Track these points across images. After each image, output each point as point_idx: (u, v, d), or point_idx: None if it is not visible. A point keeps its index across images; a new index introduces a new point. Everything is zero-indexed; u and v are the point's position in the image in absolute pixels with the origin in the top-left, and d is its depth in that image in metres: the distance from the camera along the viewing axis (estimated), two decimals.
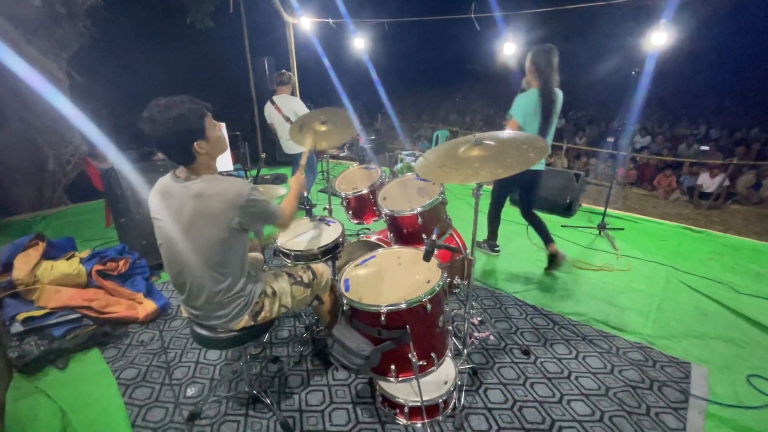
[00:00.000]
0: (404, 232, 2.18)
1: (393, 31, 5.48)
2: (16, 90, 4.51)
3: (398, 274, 1.82)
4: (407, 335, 1.59)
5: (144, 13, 6.89)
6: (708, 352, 2.27)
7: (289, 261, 2.20)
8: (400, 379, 1.68)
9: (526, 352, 2.27)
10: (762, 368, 2.14)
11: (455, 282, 2.25)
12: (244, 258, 1.61)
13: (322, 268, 1.98)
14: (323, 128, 2.59)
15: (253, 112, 7.07)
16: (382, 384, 1.86)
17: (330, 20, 5.59)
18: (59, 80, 5.02)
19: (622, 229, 3.89)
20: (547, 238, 3.09)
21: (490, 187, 3.32)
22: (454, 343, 2.16)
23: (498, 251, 3.44)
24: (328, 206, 2.83)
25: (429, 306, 1.60)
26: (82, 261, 2.74)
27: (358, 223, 2.61)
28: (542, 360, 2.22)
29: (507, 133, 1.86)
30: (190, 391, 2.08)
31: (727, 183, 6.96)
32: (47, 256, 2.71)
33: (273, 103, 4.11)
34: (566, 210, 4.29)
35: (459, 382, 1.94)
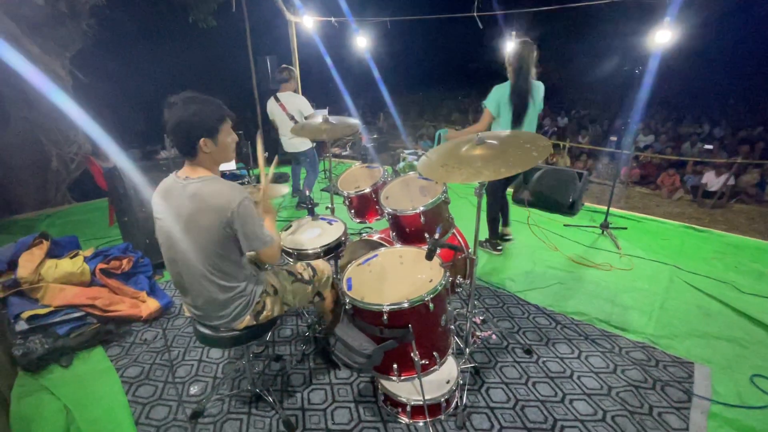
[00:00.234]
0: (406, 231, 2.18)
1: (395, 29, 5.47)
2: (20, 89, 4.52)
3: (400, 273, 1.82)
4: (409, 334, 1.59)
5: (147, 12, 6.92)
6: (711, 352, 2.26)
7: (291, 260, 2.20)
8: (402, 378, 1.69)
9: (529, 352, 2.27)
10: (765, 368, 2.14)
11: (457, 281, 2.24)
12: (243, 258, 1.61)
13: (323, 265, 1.98)
14: (325, 126, 2.60)
15: (256, 111, 7.07)
16: (385, 383, 1.86)
17: (332, 19, 5.59)
18: (62, 79, 5.03)
19: (625, 228, 3.88)
20: (506, 222, 3.54)
21: None
22: (457, 342, 2.15)
23: (501, 250, 3.44)
24: (330, 205, 2.84)
25: (431, 305, 1.60)
26: (86, 259, 2.75)
27: (360, 222, 2.61)
28: (544, 359, 2.22)
29: (509, 132, 1.86)
30: (193, 390, 2.09)
31: (732, 182, 6.91)
32: (51, 254, 2.73)
33: (278, 100, 4.10)
34: (569, 209, 4.27)
35: (461, 381, 1.94)
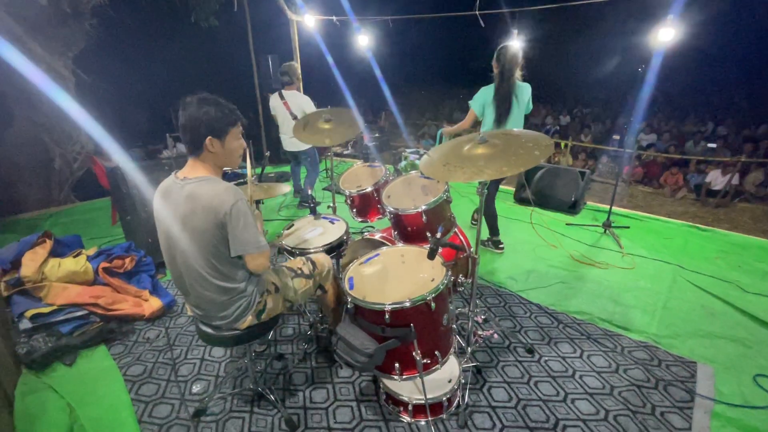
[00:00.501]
0: (408, 231, 2.18)
1: (397, 28, 5.46)
2: (23, 89, 4.54)
3: (402, 272, 1.82)
4: (411, 333, 1.59)
5: (149, 11, 6.92)
6: (714, 352, 2.26)
7: (292, 258, 2.20)
8: (404, 377, 1.69)
9: (531, 351, 2.27)
10: None
11: (459, 280, 2.25)
12: (241, 259, 1.59)
13: (322, 258, 1.98)
14: (327, 126, 2.60)
15: (257, 110, 7.08)
16: (386, 382, 1.86)
17: (334, 18, 5.58)
18: (65, 79, 5.05)
19: (628, 227, 3.86)
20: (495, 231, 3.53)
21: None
22: (458, 341, 2.15)
23: (502, 248, 3.44)
24: (332, 204, 2.84)
25: (433, 304, 1.60)
26: (89, 258, 2.77)
27: (362, 221, 2.62)
28: (546, 359, 2.21)
29: (511, 131, 1.85)
30: (196, 388, 2.10)
31: (736, 181, 6.87)
32: (54, 253, 2.74)
33: (282, 97, 4.10)
34: (571, 208, 4.26)
35: (463, 381, 1.94)
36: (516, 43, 3.03)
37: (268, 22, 6.54)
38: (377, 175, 2.62)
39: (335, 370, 2.17)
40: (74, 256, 2.75)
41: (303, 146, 4.23)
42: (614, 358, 2.21)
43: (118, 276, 2.77)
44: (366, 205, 2.57)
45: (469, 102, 3.12)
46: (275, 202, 4.82)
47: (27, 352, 2.19)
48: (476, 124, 3.17)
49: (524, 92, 3.00)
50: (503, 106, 2.96)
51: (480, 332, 2.36)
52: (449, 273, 1.70)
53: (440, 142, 3.31)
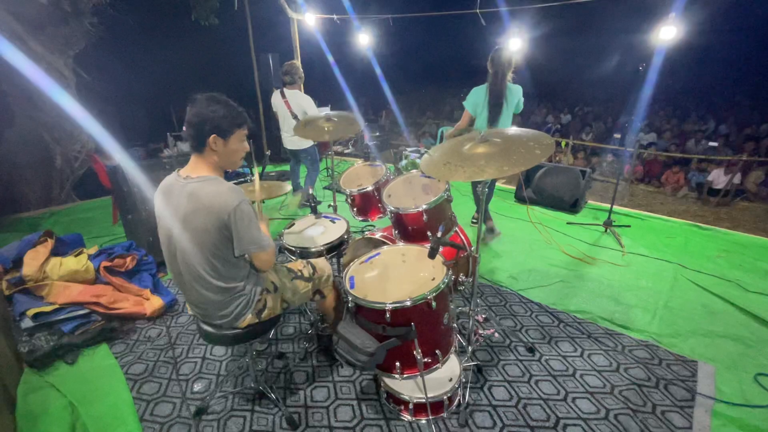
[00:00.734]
0: (409, 230, 2.18)
1: (397, 26, 5.45)
2: (24, 88, 4.54)
3: (403, 271, 1.82)
4: (412, 332, 1.59)
5: (149, 10, 6.92)
6: (715, 351, 2.25)
7: (294, 258, 2.21)
8: (404, 376, 1.69)
9: (531, 350, 2.27)
10: None
11: (460, 279, 2.25)
12: (241, 259, 1.59)
13: (322, 263, 1.98)
14: (328, 126, 2.60)
15: (258, 109, 7.07)
16: (387, 380, 1.87)
17: (334, 16, 5.57)
18: (66, 78, 5.05)
19: (629, 226, 3.86)
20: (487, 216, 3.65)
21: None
22: (459, 340, 2.16)
23: (499, 232, 3.60)
24: (332, 203, 2.84)
25: (434, 303, 1.60)
26: (90, 257, 2.77)
27: (362, 220, 2.62)
28: (547, 357, 2.22)
29: (513, 129, 1.85)
30: (197, 387, 2.10)
31: (737, 180, 6.86)
32: (56, 252, 2.75)
33: (283, 95, 4.09)
34: (572, 207, 4.26)
35: (463, 379, 1.94)
36: (510, 46, 3.15)
37: (269, 20, 6.53)
38: (378, 174, 2.62)
39: (336, 368, 2.17)
40: (75, 255, 2.75)
41: (303, 144, 4.23)
42: (615, 357, 2.21)
43: (120, 275, 2.78)
44: (367, 204, 2.58)
45: (463, 103, 3.26)
46: (276, 201, 4.82)
47: (29, 350, 2.20)
48: (473, 122, 3.28)
49: (514, 94, 3.13)
50: (495, 106, 3.09)
51: (481, 331, 2.36)
52: (450, 272, 1.70)
53: (441, 140, 3.35)
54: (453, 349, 1.80)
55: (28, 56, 4.22)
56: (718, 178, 7.01)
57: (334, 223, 2.47)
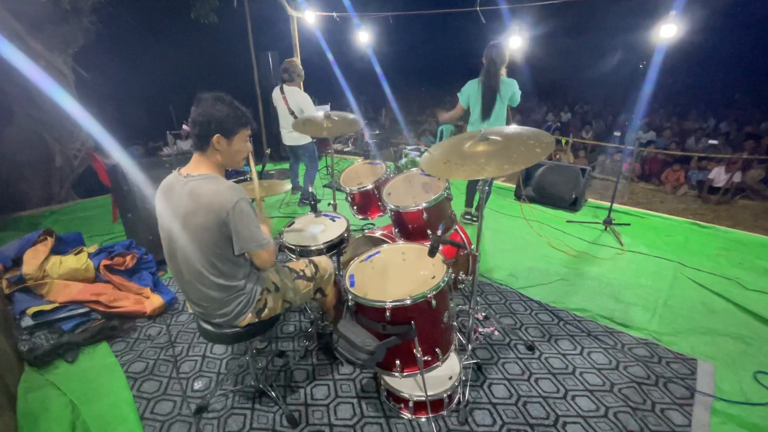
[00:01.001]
0: (409, 228, 2.18)
1: (397, 24, 5.43)
2: (23, 86, 4.53)
3: (403, 269, 1.82)
4: (412, 331, 1.59)
5: (148, 8, 6.90)
6: (714, 349, 2.26)
7: (294, 256, 2.21)
8: (404, 374, 1.69)
9: (531, 348, 2.27)
10: None
11: (460, 278, 2.25)
12: (241, 257, 1.59)
13: (325, 262, 1.98)
14: (327, 122, 2.59)
15: (257, 107, 7.06)
16: (387, 379, 1.87)
17: (334, 14, 5.56)
18: (65, 76, 5.04)
19: (629, 224, 3.86)
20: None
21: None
22: (459, 338, 2.16)
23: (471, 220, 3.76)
24: (332, 201, 2.84)
25: (434, 302, 1.60)
26: (90, 256, 2.77)
27: (362, 219, 2.62)
28: (547, 356, 2.22)
29: (512, 128, 1.85)
30: (197, 385, 2.11)
31: (738, 178, 6.85)
32: (56, 251, 2.75)
33: (282, 92, 4.09)
34: (572, 205, 4.26)
35: (463, 377, 1.94)
36: (505, 41, 3.26)
37: (268, 18, 6.51)
38: (378, 173, 2.62)
39: (336, 367, 2.18)
40: (75, 254, 2.75)
41: (301, 141, 4.22)
42: (614, 355, 2.21)
43: (120, 273, 2.78)
44: (367, 202, 2.57)
45: (458, 94, 3.34)
46: (276, 199, 4.82)
47: (29, 349, 2.20)
48: (467, 115, 3.38)
49: (508, 88, 3.18)
50: (488, 100, 3.17)
51: (480, 329, 2.36)
52: (450, 270, 1.70)
53: (441, 139, 3.38)
54: (453, 347, 1.80)
55: (27, 55, 4.20)
56: (718, 176, 7.00)
57: (334, 221, 2.47)
